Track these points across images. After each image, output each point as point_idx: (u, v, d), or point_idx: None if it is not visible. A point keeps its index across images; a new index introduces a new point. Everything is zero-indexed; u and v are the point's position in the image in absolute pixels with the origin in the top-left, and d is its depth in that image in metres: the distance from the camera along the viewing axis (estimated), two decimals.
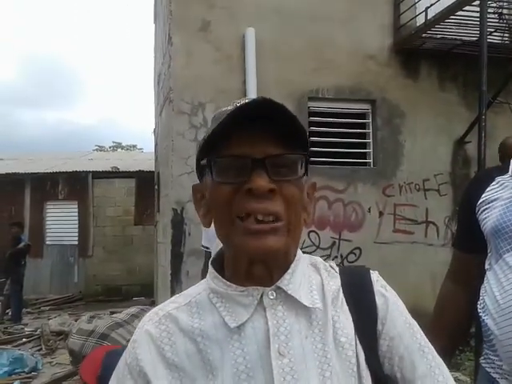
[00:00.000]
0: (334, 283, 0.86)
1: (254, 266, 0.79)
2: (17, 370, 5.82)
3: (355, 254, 5.68)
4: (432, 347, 0.86)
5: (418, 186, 5.95)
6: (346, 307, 0.84)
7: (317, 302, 0.81)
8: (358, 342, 0.80)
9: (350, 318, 0.82)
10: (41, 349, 7.03)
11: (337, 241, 5.66)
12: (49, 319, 8.69)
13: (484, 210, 1.51)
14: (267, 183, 0.74)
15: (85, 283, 12.41)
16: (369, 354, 0.80)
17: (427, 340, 0.86)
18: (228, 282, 0.81)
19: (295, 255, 0.84)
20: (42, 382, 5.49)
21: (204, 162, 0.81)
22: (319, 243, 5.57)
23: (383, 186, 5.86)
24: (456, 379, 4.49)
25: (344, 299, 0.84)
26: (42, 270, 12.08)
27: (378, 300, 0.85)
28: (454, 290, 1.66)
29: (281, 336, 0.77)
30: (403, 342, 0.83)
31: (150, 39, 9.85)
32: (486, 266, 1.50)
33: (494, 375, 1.43)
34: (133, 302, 10.34)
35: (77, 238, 12.55)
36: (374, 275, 0.90)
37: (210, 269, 0.86)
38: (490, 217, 1.48)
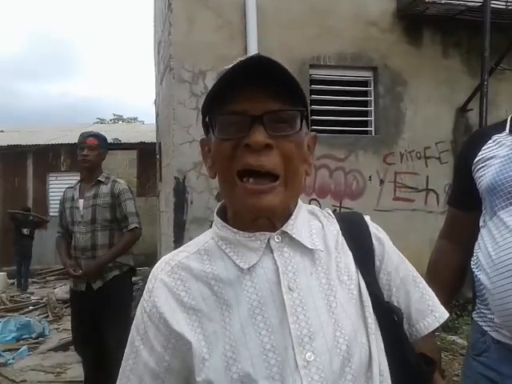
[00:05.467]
0: (334, 228, 0.95)
1: (257, 219, 0.85)
2: (24, 336, 5.95)
3: None
4: (421, 277, 1.00)
5: (419, 154, 5.93)
6: (346, 248, 0.93)
7: (318, 244, 0.89)
8: (360, 276, 0.90)
9: (351, 257, 0.92)
10: (47, 316, 7.17)
11: (338, 209, 5.68)
12: (54, 288, 8.83)
13: (480, 168, 1.52)
14: (264, 138, 0.78)
15: None
16: (370, 284, 0.89)
17: (416, 271, 1.00)
18: (235, 230, 0.87)
19: (296, 204, 0.91)
20: (50, 347, 5.63)
21: (207, 119, 0.85)
22: None
23: (384, 154, 5.85)
24: (453, 342, 4.60)
25: (344, 241, 0.93)
26: (46, 242, 12.15)
27: (374, 240, 0.96)
28: (448, 247, 1.68)
29: (289, 274, 0.84)
30: (399, 275, 0.95)
31: (150, 8, 9.70)
32: (481, 224, 1.52)
33: (486, 328, 1.46)
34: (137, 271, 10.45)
35: None
36: (368, 219, 1.01)
37: (217, 219, 0.92)
38: (485, 175, 1.48)
